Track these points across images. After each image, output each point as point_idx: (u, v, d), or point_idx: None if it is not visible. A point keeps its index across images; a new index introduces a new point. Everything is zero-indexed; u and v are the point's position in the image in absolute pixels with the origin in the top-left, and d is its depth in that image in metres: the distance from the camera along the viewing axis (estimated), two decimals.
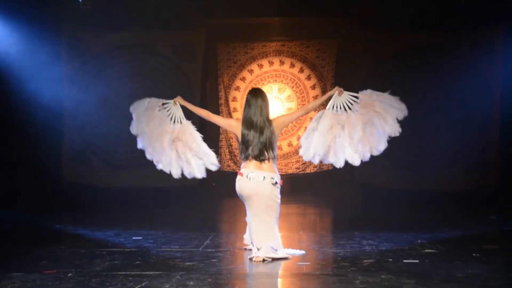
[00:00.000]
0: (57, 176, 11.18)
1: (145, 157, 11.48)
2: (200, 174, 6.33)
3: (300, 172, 12.54)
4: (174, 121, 6.40)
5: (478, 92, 11.20)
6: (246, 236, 6.13)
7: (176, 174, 6.31)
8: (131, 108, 6.55)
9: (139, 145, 6.47)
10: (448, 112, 11.27)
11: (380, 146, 6.25)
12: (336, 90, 6.24)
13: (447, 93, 11.24)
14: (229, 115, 12.55)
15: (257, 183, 5.85)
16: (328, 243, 6.79)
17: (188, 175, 6.33)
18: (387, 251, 6.01)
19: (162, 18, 11.33)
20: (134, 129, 6.50)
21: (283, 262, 5.70)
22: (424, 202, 9.99)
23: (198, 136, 6.39)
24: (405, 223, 8.02)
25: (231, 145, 12.37)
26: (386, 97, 6.29)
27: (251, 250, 5.92)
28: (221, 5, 11.26)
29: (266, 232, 5.83)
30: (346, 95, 6.24)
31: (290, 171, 12.49)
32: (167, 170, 6.34)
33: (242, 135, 5.97)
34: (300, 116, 6.40)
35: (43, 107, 10.53)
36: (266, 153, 5.92)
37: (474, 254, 5.81)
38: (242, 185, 5.90)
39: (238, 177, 5.96)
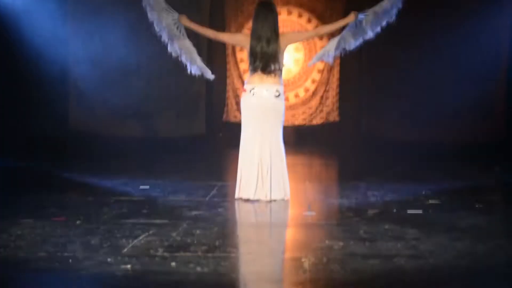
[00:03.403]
0: (64, 124, 11.22)
1: (152, 106, 11.62)
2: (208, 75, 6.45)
3: (307, 124, 12.56)
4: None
5: (486, 45, 11.11)
6: (242, 189, 6.10)
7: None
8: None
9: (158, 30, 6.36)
10: (455, 65, 11.21)
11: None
12: (353, 18, 6.16)
13: (455, 46, 11.15)
14: (236, 65, 12.52)
15: (261, 98, 5.99)
16: (334, 194, 6.86)
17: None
18: (391, 202, 6.07)
19: None
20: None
21: (288, 212, 5.78)
22: (429, 154, 10.01)
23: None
24: (410, 174, 8.07)
25: (238, 95, 12.37)
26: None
27: (249, 199, 6.00)
28: None
29: (274, 168, 5.95)
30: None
31: (296, 123, 12.51)
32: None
33: (250, 47, 6.04)
34: (310, 38, 6.33)
35: (48, 55, 10.52)
36: (272, 65, 6.01)
37: (477, 205, 5.86)
38: (246, 101, 6.07)
39: (242, 93, 6.13)
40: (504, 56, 11.15)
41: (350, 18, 6.17)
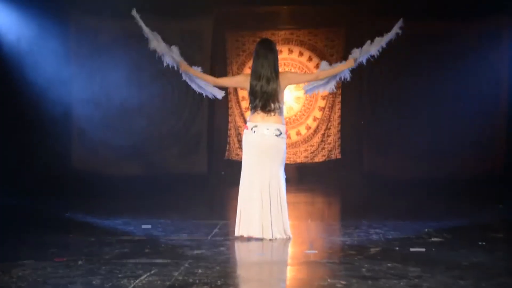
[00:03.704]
0: (66, 164, 11.25)
1: (154, 145, 11.68)
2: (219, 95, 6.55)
3: (309, 162, 12.58)
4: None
5: (485, 80, 11.21)
6: (242, 226, 6.12)
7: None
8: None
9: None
10: (456, 101, 11.28)
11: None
12: (352, 63, 6.21)
13: (455, 81, 11.24)
14: (238, 104, 12.58)
15: (262, 137, 6.02)
16: (336, 231, 6.84)
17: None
18: (393, 240, 6.06)
19: (170, 6, 11.34)
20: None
21: (290, 251, 5.76)
22: (431, 191, 10.01)
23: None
24: (412, 212, 8.05)
25: (240, 134, 12.41)
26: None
27: (249, 237, 6.01)
28: None
29: (272, 207, 5.96)
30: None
31: (298, 160, 12.54)
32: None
33: (250, 86, 6.10)
34: (309, 81, 6.43)
35: (52, 94, 10.60)
36: (272, 104, 6.04)
37: (479, 243, 5.85)
38: (247, 139, 6.10)
39: (244, 131, 6.17)
40: (504, 92, 11.23)
41: (350, 63, 6.24)
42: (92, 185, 10.29)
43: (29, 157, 10.43)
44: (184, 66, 6.39)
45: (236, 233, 6.11)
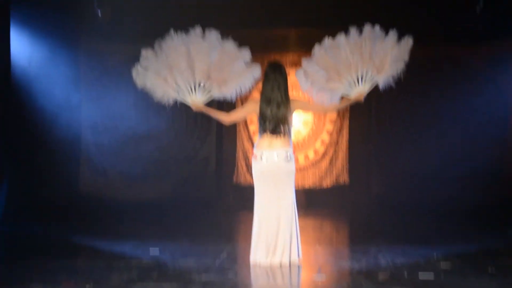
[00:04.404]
0: (74, 188, 11.26)
1: (162, 169, 11.67)
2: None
3: (317, 187, 12.54)
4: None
5: (493, 105, 11.17)
6: (258, 253, 6.11)
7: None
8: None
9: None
10: (464, 125, 11.25)
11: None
12: (361, 98, 6.15)
13: (463, 105, 11.22)
14: (246, 127, 12.58)
15: (272, 163, 6.00)
16: (344, 256, 6.81)
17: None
18: (402, 265, 6.02)
19: (178, 30, 11.39)
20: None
21: (298, 276, 5.73)
22: (440, 216, 9.97)
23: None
24: (421, 236, 8.01)
25: (247, 158, 12.41)
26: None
27: (262, 263, 5.98)
28: (237, 16, 11.33)
29: (285, 231, 5.93)
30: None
31: (306, 185, 12.50)
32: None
33: (260, 109, 6.07)
34: (316, 111, 6.29)
35: (61, 119, 10.65)
36: (282, 127, 6.02)
37: (489, 270, 5.81)
38: (256, 167, 6.06)
39: (253, 159, 6.12)
40: None
41: (359, 98, 6.17)
42: (100, 209, 10.30)
43: (37, 182, 10.44)
44: (198, 105, 6.31)
45: (252, 259, 6.08)
